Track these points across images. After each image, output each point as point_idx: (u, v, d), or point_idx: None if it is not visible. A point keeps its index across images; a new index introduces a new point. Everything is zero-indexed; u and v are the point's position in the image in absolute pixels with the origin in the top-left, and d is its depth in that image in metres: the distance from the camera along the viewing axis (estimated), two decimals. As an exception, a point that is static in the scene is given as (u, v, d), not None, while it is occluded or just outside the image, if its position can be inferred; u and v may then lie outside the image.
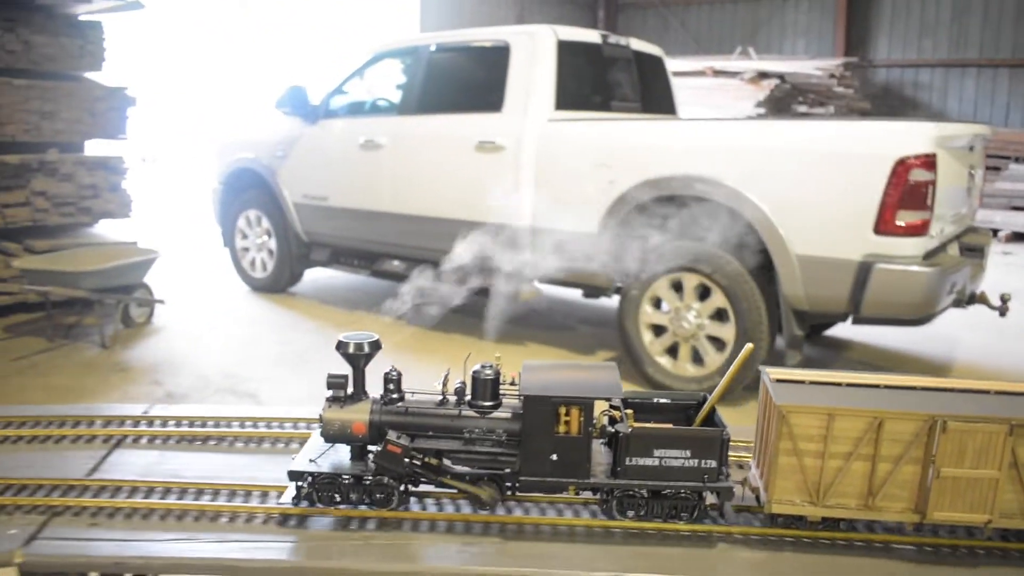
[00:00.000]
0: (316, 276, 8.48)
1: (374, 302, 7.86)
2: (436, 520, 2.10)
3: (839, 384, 2.03)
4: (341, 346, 2.09)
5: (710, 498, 2.05)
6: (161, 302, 7.05)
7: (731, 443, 2.08)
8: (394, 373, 2.14)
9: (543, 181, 5.95)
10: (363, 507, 2.11)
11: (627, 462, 1.98)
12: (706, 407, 2.13)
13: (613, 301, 6.18)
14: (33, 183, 6.97)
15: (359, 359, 2.11)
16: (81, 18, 7.82)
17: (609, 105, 6.58)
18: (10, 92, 6.99)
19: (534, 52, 6.09)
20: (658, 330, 5.48)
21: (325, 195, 7.27)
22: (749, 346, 2.14)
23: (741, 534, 2.05)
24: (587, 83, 6.52)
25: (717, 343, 5.22)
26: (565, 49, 6.20)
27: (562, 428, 1.95)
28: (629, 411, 2.06)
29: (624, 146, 5.60)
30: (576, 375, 2.08)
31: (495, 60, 6.26)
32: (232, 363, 6.06)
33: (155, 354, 6.37)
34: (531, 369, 2.07)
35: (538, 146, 5.94)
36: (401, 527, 2.07)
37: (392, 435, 2.03)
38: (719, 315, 5.17)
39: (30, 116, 7.11)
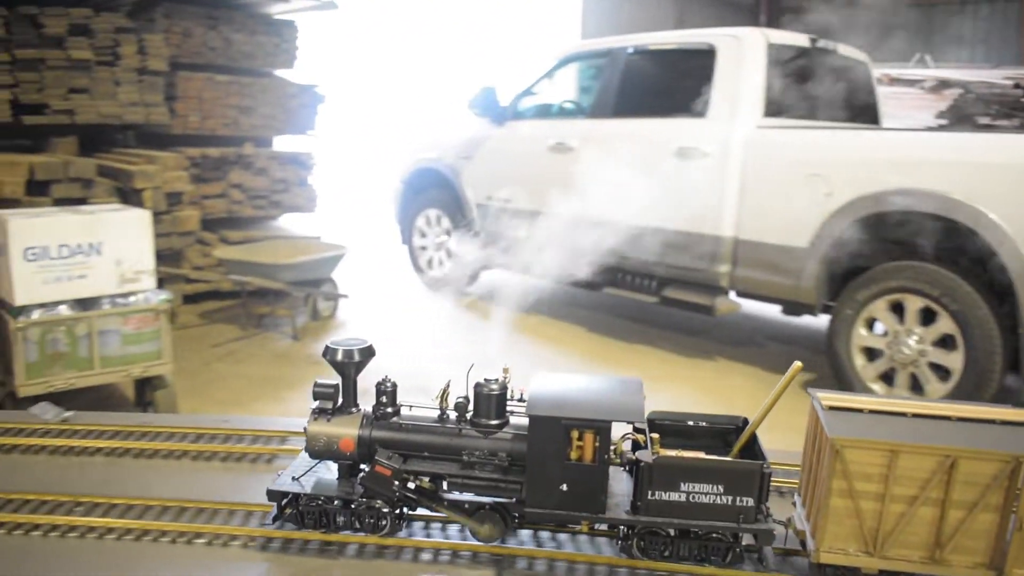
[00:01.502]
0: (491, 277, 8.42)
1: (550, 306, 7.74)
2: (432, 548, 1.83)
3: (904, 414, 1.70)
4: (328, 352, 1.87)
5: (747, 539, 1.75)
6: (345, 296, 7.13)
7: (777, 469, 1.81)
8: (388, 384, 1.91)
9: (749, 190, 5.66)
10: (351, 532, 1.87)
11: (649, 496, 1.69)
12: (745, 434, 1.82)
13: (812, 320, 5.84)
14: (230, 176, 7.19)
15: (349, 367, 1.89)
16: (276, 17, 8.02)
17: (816, 113, 6.23)
18: (213, 87, 7.24)
19: (742, 55, 5.81)
20: (872, 354, 5.13)
21: (509, 197, 7.19)
22: (797, 364, 1.77)
23: None
24: (795, 89, 6.19)
25: (941, 372, 4.83)
26: (774, 52, 5.90)
27: (574, 454, 1.68)
28: (655, 435, 1.77)
29: (843, 157, 5.27)
30: (593, 392, 1.79)
31: (699, 63, 6.00)
32: (421, 362, 6.03)
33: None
34: (542, 383, 1.80)
35: (745, 154, 5.65)
36: (397, 555, 1.80)
37: (382, 455, 1.80)
38: (945, 342, 4.79)
39: (229, 111, 7.36)
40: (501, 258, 7.52)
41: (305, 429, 1.85)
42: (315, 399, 1.87)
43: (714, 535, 1.71)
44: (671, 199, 6.04)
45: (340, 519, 1.80)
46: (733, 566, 1.73)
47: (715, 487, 1.67)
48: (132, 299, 4.72)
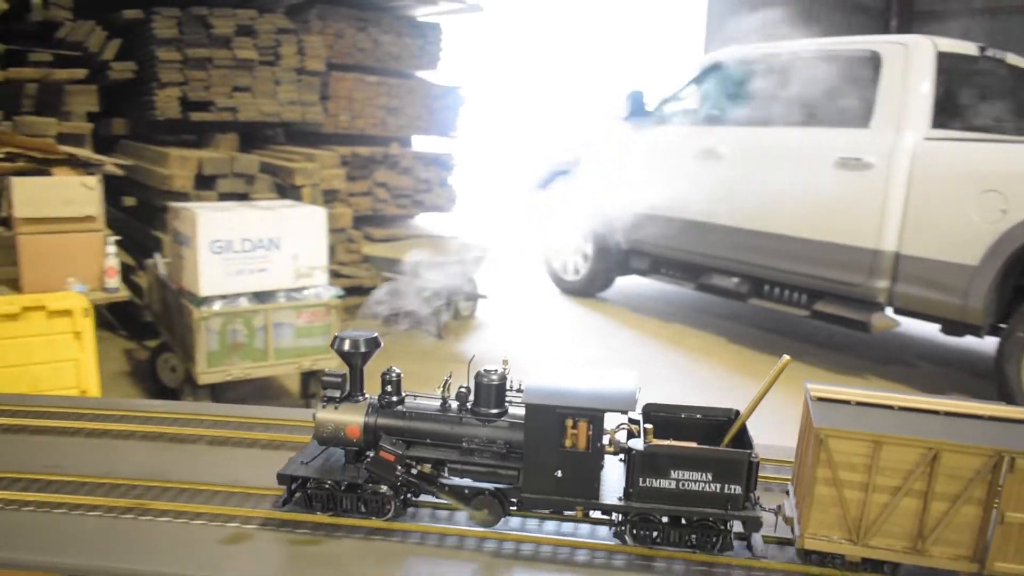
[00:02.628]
0: (625, 284, 8.39)
1: (689, 315, 7.67)
2: (433, 533, 1.87)
3: (891, 407, 1.73)
4: (336, 343, 1.92)
5: (738, 527, 1.77)
6: (485, 297, 7.21)
7: (778, 465, 1.84)
8: (393, 374, 1.94)
9: (914, 203, 5.48)
10: (357, 516, 1.91)
11: (640, 483, 1.74)
12: (736, 425, 1.83)
13: (969, 340, 5.63)
14: (376, 175, 7.34)
15: (355, 357, 1.93)
16: (421, 19, 8.16)
17: (985, 124, 6.00)
18: (363, 88, 7.41)
19: (910, 63, 5.63)
20: (1045, 379, 4.91)
21: (652, 203, 7.15)
22: (786, 358, 1.80)
23: (762, 569, 1.76)
24: (964, 99, 5.98)
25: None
26: (943, 61, 5.70)
27: (569, 442, 1.73)
28: (649, 426, 1.78)
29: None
30: (588, 383, 1.81)
31: (861, 71, 5.85)
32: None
33: (486, 348, 6.50)
34: (539, 375, 1.83)
35: (912, 166, 5.48)
36: (401, 539, 1.85)
37: (386, 441, 1.85)
38: None
39: (378, 111, 7.53)
40: (640, 264, 7.51)
41: (314, 416, 1.92)
42: (323, 388, 1.94)
43: (704, 522, 1.75)
44: (828, 210, 5.92)
45: (346, 502, 1.88)
46: (722, 552, 1.77)
47: (704, 475, 1.72)
48: (306, 293, 4.88)
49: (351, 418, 1.89)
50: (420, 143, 8.28)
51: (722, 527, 1.76)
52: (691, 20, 15.05)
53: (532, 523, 1.91)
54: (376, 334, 1.97)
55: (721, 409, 1.93)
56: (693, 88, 7.14)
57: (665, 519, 1.76)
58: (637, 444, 1.74)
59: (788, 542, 1.82)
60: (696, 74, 7.09)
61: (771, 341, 6.90)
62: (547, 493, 1.77)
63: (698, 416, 1.93)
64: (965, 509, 1.66)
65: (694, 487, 1.73)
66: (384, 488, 1.85)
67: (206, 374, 4.64)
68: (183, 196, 6.03)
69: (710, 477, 1.72)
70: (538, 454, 1.75)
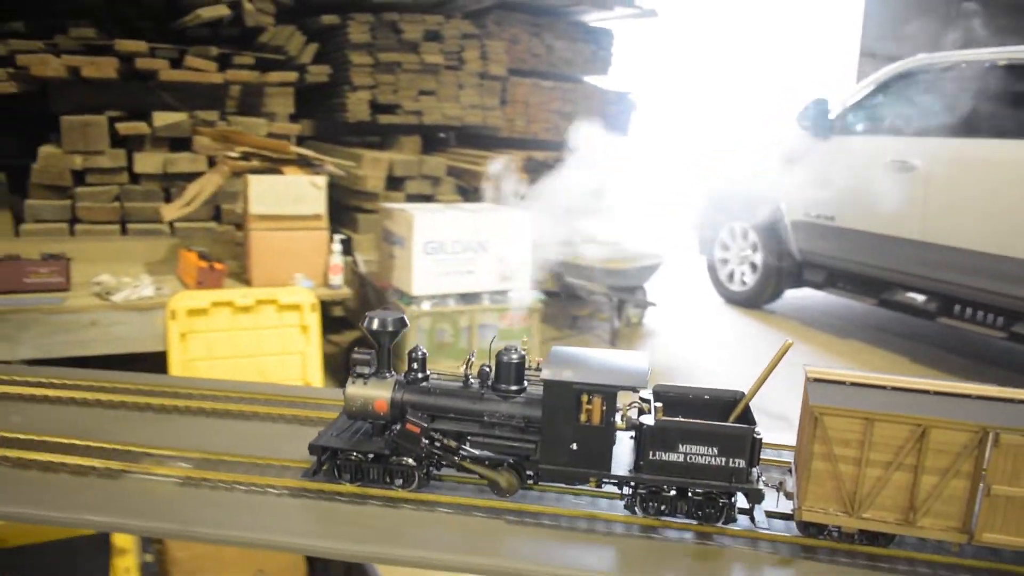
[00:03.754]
0: (793, 296, 8.18)
1: (863, 332, 7.41)
2: (454, 505, 1.92)
3: (883, 387, 1.80)
4: (365, 320, 1.98)
5: (742, 502, 1.86)
6: (654, 305, 7.15)
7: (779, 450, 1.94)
8: (419, 352, 2.00)
9: None
10: (382, 487, 1.97)
11: (650, 456, 1.82)
12: (741, 405, 1.92)
13: None
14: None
15: (383, 336, 1.99)
16: (593, 24, 8.16)
17: None
18: (539, 93, 7.47)
19: None
20: None
21: (832, 214, 6.94)
22: (788, 342, 1.86)
23: (763, 539, 1.84)
24: None
25: None
26: None
27: (583, 417, 1.83)
28: (659, 404, 1.86)
29: None
30: (603, 363, 1.90)
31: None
32: (740, 378, 5.94)
33: (659, 357, 6.44)
34: (557, 355, 1.91)
35: None
36: (424, 509, 1.92)
37: (412, 415, 1.93)
38: None
39: (552, 116, 7.56)
40: (815, 276, 7.30)
41: (344, 392, 2.00)
42: (353, 365, 2.00)
43: (709, 494, 1.85)
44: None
45: (373, 473, 1.97)
46: (726, 524, 1.87)
47: (710, 449, 1.82)
48: (509, 296, 4.94)
49: (379, 393, 1.97)
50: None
51: (726, 500, 1.86)
52: (845, 25, 14.62)
53: (539, 496, 1.99)
54: (403, 315, 2.04)
55: (728, 391, 2.01)
56: (878, 96, 6.89)
57: (673, 492, 1.86)
58: (648, 420, 1.84)
59: (789, 516, 1.91)
60: (882, 82, 6.84)
61: (957, 364, 6.60)
62: (562, 465, 1.87)
63: (706, 396, 2.01)
64: (954, 483, 1.75)
65: (701, 460, 1.84)
66: (409, 459, 1.95)
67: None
68: (373, 196, 6.19)
69: (716, 451, 1.82)
70: (554, 428, 1.85)
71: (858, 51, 14.49)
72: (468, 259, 4.82)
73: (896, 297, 6.61)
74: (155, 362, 4.34)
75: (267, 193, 4.43)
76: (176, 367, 4.25)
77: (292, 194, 4.48)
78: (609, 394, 1.82)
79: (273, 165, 4.51)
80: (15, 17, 6.50)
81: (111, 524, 2.07)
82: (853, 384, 1.82)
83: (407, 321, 2.03)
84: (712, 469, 1.83)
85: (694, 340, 7.09)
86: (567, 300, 6.99)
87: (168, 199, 5.66)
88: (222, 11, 5.68)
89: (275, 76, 5.97)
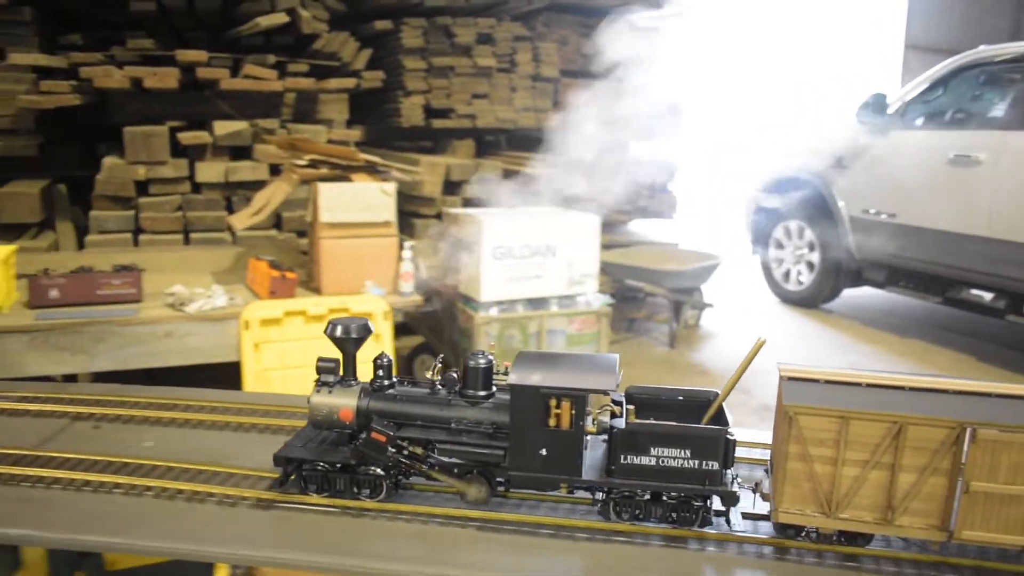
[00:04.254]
0: (851, 295, 8.03)
1: (925, 331, 7.26)
2: (424, 514, 1.91)
3: (858, 384, 1.78)
4: (329, 328, 1.96)
5: (718, 505, 1.84)
6: (711, 306, 7.05)
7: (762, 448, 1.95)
8: (385, 359, 1.99)
9: None
10: (348, 498, 1.96)
11: (621, 460, 1.80)
12: (714, 406, 1.88)
13: None
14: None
15: (347, 343, 1.97)
16: (643, 24, 8.05)
17: None
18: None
19: None
20: None
21: (894, 211, 6.80)
22: (760, 339, 1.84)
23: (739, 542, 1.83)
24: None
25: None
26: None
27: (552, 421, 1.80)
28: (631, 407, 1.84)
29: None
30: (572, 367, 1.87)
31: None
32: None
33: (721, 359, 6.35)
34: (525, 359, 1.88)
35: None
36: (392, 519, 1.91)
37: (378, 423, 1.90)
38: None
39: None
40: (876, 275, 7.16)
41: (309, 400, 1.97)
42: (318, 373, 1.98)
43: (683, 498, 1.81)
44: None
45: (340, 483, 1.93)
46: (701, 528, 1.83)
47: (682, 451, 1.78)
48: (577, 301, 4.87)
49: (344, 401, 1.94)
50: (642, 148, 8.19)
51: (700, 503, 1.82)
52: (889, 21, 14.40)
53: (517, 504, 1.98)
54: (367, 321, 2.01)
55: (701, 391, 1.98)
56: (939, 90, 6.74)
57: (647, 496, 1.83)
58: (618, 423, 1.80)
59: (766, 518, 1.88)
60: (942, 75, 6.70)
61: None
62: (532, 471, 1.83)
63: (679, 398, 1.98)
64: (932, 480, 1.72)
65: (673, 464, 1.80)
66: (377, 469, 1.92)
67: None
68: (430, 201, 6.16)
69: (688, 454, 1.78)
70: (523, 433, 1.82)
71: (903, 44, 14.28)
72: (537, 264, 4.76)
73: (961, 295, 6.48)
74: (224, 372, 4.32)
75: (337, 201, 4.40)
76: (250, 378, 4.23)
77: (362, 201, 4.45)
78: (578, 398, 1.79)
79: (341, 172, 4.48)
80: (72, 30, 6.55)
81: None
82: (827, 382, 1.80)
83: (371, 328, 2.02)
84: (685, 472, 1.80)
85: (752, 341, 6.97)
86: (623, 302, 6.91)
87: (229, 208, 5.67)
88: (281, 19, 5.67)
89: (334, 83, 5.96)
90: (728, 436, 1.79)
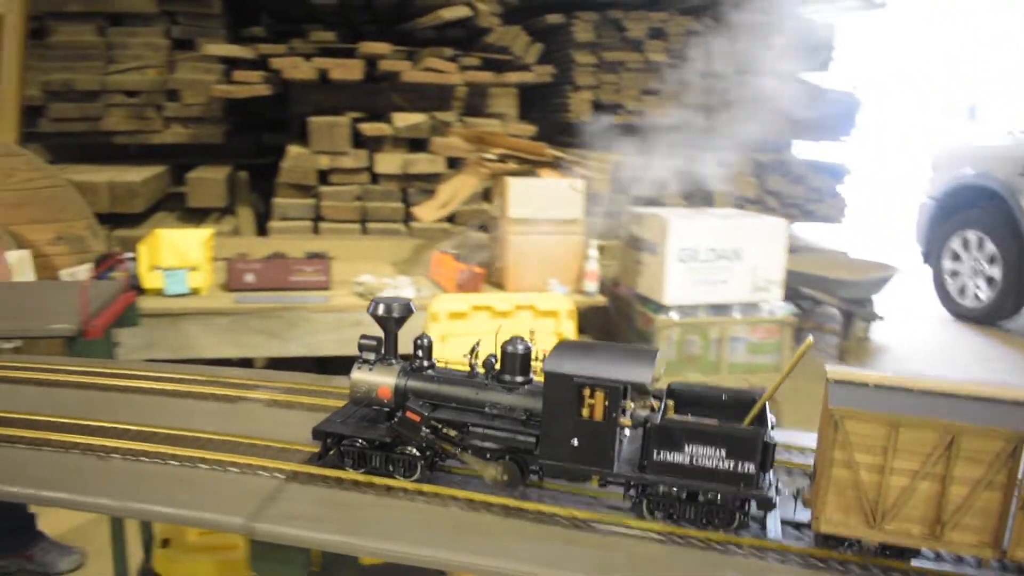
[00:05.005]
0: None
1: None
2: (457, 497, 1.85)
3: (909, 390, 1.66)
4: (372, 307, 1.95)
5: (756, 508, 1.76)
6: (882, 319, 6.72)
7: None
8: (425, 340, 1.96)
9: None
10: (383, 475, 1.92)
11: (655, 456, 1.73)
12: (757, 405, 1.80)
13: None
14: (768, 181, 7.06)
15: (389, 322, 1.94)
16: (811, 17, 7.76)
17: None
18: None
19: None
20: None
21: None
22: (809, 340, 1.70)
23: (774, 550, 1.71)
24: None
25: None
26: None
27: (585, 412, 1.74)
28: (670, 402, 1.82)
29: None
30: (610, 358, 1.79)
31: None
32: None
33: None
34: (563, 347, 1.84)
35: None
36: (426, 500, 1.85)
37: (414, 402, 1.88)
38: None
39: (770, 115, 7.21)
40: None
41: (349, 377, 1.95)
42: (360, 351, 1.95)
43: (718, 499, 1.74)
44: None
45: (376, 461, 1.93)
46: (736, 532, 1.76)
47: (717, 451, 1.72)
48: (761, 308, 4.71)
49: (383, 379, 1.94)
50: (810, 149, 7.91)
51: (736, 505, 1.75)
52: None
53: (555, 496, 1.92)
54: (410, 301, 1.97)
55: (748, 391, 1.91)
56: None
57: (684, 495, 1.77)
58: (654, 418, 1.76)
59: (808, 526, 1.78)
60: None
61: None
62: (563, 461, 1.80)
63: (723, 397, 1.91)
64: (986, 494, 1.61)
65: (708, 463, 1.74)
66: (413, 449, 1.91)
67: (660, 382, 4.59)
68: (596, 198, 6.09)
69: (723, 454, 1.72)
70: (555, 421, 1.79)
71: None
72: (722, 267, 4.62)
73: None
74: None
75: (526, 197, 4.39)
76: (435, 370, 4.26)
77: (550, 198, 4.42)
78: (612, 388, 1.74)
79: (529, 168, 4.45)
80: (255, 22, 6.78)
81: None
82: (876, 386, 1.72)
83: (413, 308, 1.99)
84: (720, 473, 1.74)
85: (926, 359, 6.62)
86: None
87: (405, 199, 5.75)
88: (463, 12, 5.71)
89: (513, 76, 5.96)
90: (766, 438, 1.71)
